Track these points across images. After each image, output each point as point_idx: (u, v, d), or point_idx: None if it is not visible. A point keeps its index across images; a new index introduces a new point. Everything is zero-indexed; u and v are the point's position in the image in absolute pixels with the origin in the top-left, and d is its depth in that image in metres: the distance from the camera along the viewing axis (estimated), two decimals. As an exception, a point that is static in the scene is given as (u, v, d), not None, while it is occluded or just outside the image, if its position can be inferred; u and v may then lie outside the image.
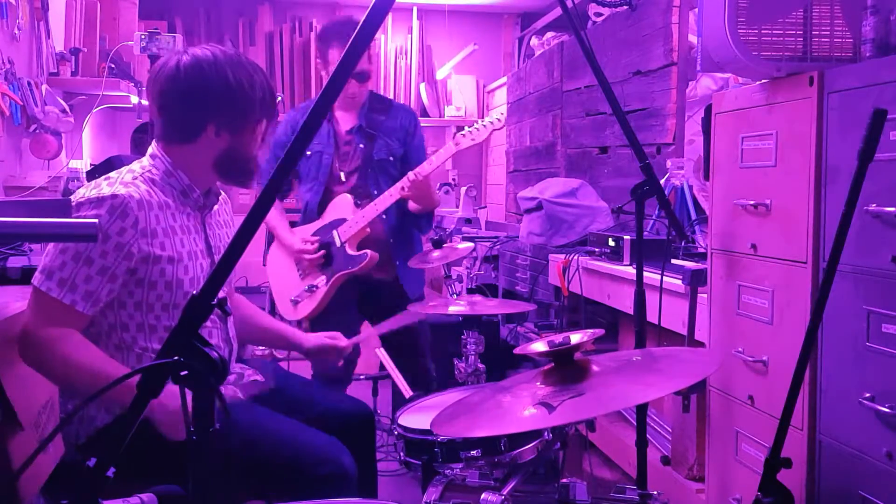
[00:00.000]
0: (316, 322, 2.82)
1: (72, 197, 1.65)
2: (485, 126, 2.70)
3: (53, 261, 1.57)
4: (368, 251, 2.76)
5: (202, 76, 1.65)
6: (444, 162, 2.77)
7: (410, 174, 2.66)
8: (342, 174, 2.85)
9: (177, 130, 1.70)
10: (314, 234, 2.83)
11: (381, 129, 2.85)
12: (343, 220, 2.78)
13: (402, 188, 2.67)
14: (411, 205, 2.75)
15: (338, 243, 2.78)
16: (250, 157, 1.75)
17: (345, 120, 2.88)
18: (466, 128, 2.73)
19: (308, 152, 2.84)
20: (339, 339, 2.07)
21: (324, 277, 2.80)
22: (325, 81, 2.85)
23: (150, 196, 1.65)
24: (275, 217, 2.92)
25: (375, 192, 2.78)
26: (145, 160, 1.73)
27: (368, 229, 2.76)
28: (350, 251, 2.77)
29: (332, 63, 2.78)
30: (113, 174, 1.69)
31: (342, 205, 2.82)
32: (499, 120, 2.72)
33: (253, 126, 1.72)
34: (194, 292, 0.94)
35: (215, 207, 1.85)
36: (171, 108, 1.68)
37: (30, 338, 1.56)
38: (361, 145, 2.84)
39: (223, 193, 1.90)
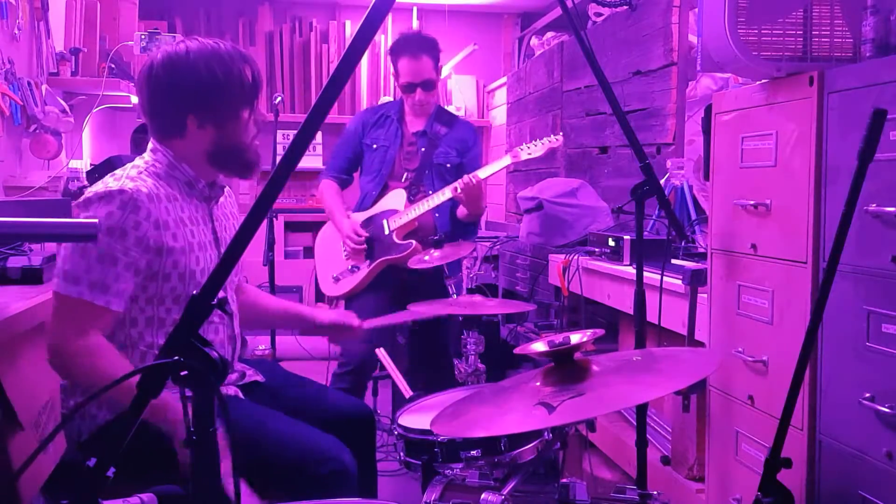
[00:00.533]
0: (350, 302, 3.06)
1: (80, 199, 1.66)
2: (543, 144, 2.93)
3: (76, 265, 1.57)
4: (413, 241, 2.98)
5: (174, 71, 1.66)
6: (498, 171, 3.01)
7: (466, 177, 2.86)
8: (405, 172, 3.07)
9: (163, 127, 1.72)
10: (365, 221, 3.06)
11: (443, 138, 3.09)
12: (395, 211, 3.02)
13: (456, 188, 2.86)
14: (460, 210, 2.99)
15: (386, 231, 3.01)
16: (243, 147, 1.75)
17: (413, 124, 3.13)
18: (525, 144, 2.96)
19: (374, 146, 3.11)
20: (353, 319, 2.09)
21: (368, 261, 3.03)
22: (395, 92, 3.10)
23: (158, 189, 1.66)
24: (333, 202, 3.15)
25: (430, 193, 3.00)
26: (147, 156, 1.74)
27: (417, 223, 2.99)
28: (396, 239, 3.00)
29: (402, 74, 3.04)
30: (117, 171, 1.70)
31: (396, 198, 3.05)
32: (557, 139, 2.95)
33: (235, 115, 1.71)
34: (195, 292, 0.94)
35: (221, 199, 1.86)
36: (152, 106, 1.71)
37: (63, 350, 1.56)
38: (423, 148, 3.08)
39: (227, 187, 1.90)
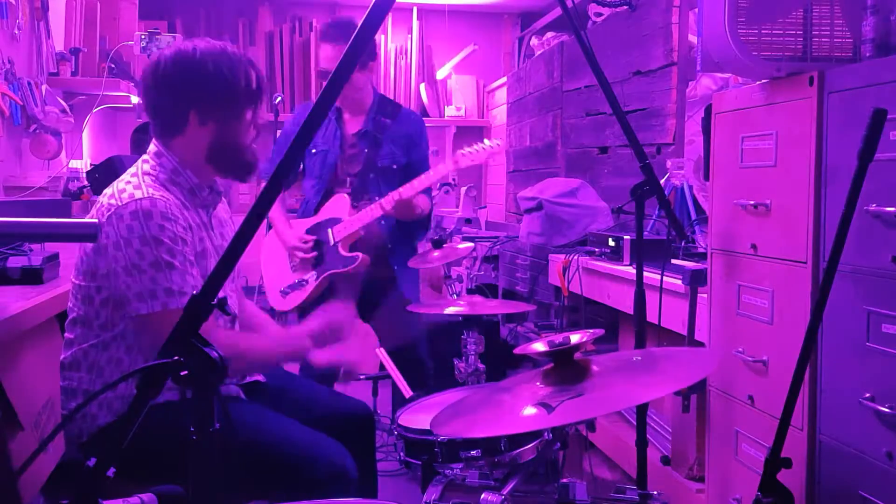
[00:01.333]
0: (303, 315, 2.85)
1: (101, 202, 1.66)
2: (484, 148, 2.79)
3: (142, 284, 1.59)
4: (360, 254, 2.81)
5: (182, 66, 1.68)
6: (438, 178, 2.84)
7: (391, 194, 2.72)
8: (347, 178, 2.90)
9: (164, 123, 1.73)
10: (309, 230, 2.88)
11: (386, 134, 2.89)
12: (338, 220, 2.83)
13: (382, 207, 2.73)
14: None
15: (331, 242, 2.84)
16: (242, 147, 1.75)
17: (352, 123, 2.93)
18: (467, 147, 2.81)
19: (314, 150, 2.90)
20: (346, 362, 2.06)
21: (314, 273, 2.85)
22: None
23: (170, 196, 1.67)
24: (275, 208, 2.93)
25: (377, 198, 2.81)
26: (149, 161, 1.73)
27: (362, 232, 2.81)
28: (342, 251, 2.82)
29: (319, 61, 2.87)
30: (129, 178, 1.68)
31: (339, 204, 2.86)
32: (499, 144, 2.85)
33: (238, 114, 1.72)
34: (195, 292, 0.94)
35: (218, 206, 1.86)
36: (156, 100, 1.71)
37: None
38: (366, 150, 2.88)
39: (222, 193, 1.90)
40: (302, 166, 2.98)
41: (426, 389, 2.23)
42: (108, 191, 1.68)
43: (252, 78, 1.72)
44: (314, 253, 2.84)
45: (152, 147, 1.74)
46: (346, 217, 2.82)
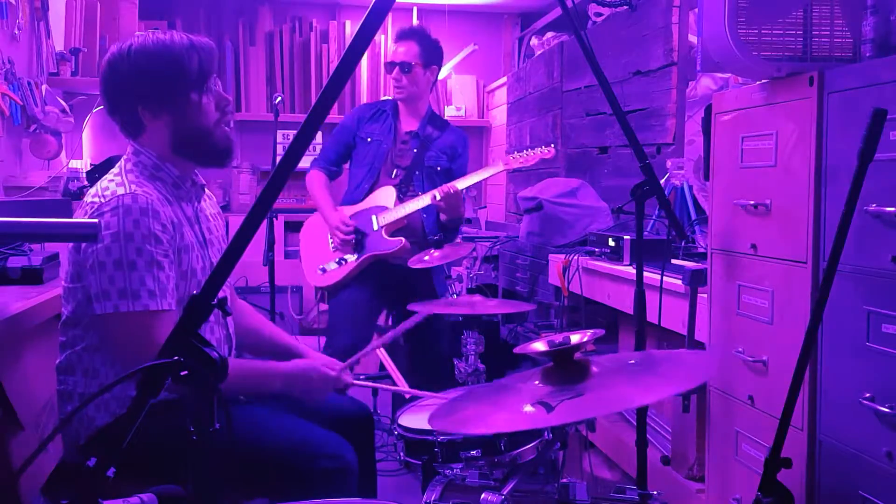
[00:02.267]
0: (333, 293, 3.07)
1: (85, 201, 1.65)
2: (535, 153, 3.00)
3: (126, 282, 1.57)
4: (402, 238, 2.99)
5: (115, 67, 1.69)
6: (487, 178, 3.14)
7: (445, 185, 2.92)
8: (395, 169, 3.10)
9: (125, 126, 1.73)
10: (353, 215, 3.06)
11: (434, 142, 3.13)
12: (384, 208, 3.03)
13: (435, 196, 2.91)
14: (441, 215, 2.99)
15: (375, 226, 3.03)
16: (205, 132, 1.73)
17: (407, 123, 3.17)
18: (517, 153, 3.04)
19: (369, 139, 3.13)
20: (344, 372, 2.06)
21: (355, 255, 3.03)
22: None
23: (153, 192, 1.66)
24: (322, 193, 3.15)
25: (419, 193, 3.03)
26: (130, 159, 1.72)
27: (406, 221, 3.00)
28: (385, 235, 3.01)
29: (387, 54, 3.22)
30: (112, 177, 1.68)
31: (385, 195, 3.07)
32: (549, 150, 3.00)
33: (183, 100, 1.70)
34: (195, 292, 0.94)
35: (204, 200, 1.85)
36: (108, 105, 1.73)
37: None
38: (416, 149, 3.11)
39: (206, 189, 1.89)
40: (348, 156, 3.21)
41: (444, 386, 2.23)
42: (91, 190, 1.68)
43: (191, 61, 1.70)
44: (353, 236, 3.01)
45: (129, 147, 1.75)
46: (391, 206, 3.02)
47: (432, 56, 3.12)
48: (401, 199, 3.04)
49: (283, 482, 1.63)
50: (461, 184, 2.94)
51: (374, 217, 3.04)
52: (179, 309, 1.68)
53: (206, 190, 1.89)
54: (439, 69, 3.21)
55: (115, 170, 1.72)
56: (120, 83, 1.70)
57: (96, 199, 1.62)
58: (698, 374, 1.31)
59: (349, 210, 3.09)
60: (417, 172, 3.09)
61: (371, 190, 3.09)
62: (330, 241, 3.09)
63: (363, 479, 1.84)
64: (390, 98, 3.29)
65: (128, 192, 1.61)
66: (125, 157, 1.74)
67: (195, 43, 1.72)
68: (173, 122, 1.71)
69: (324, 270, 3.05)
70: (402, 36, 3.15)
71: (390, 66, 3.11)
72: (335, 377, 1.86)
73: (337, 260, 3.03)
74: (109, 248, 1.57)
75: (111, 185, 1.64)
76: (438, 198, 2.88)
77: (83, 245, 1.59)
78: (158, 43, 1.69)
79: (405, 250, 2.93)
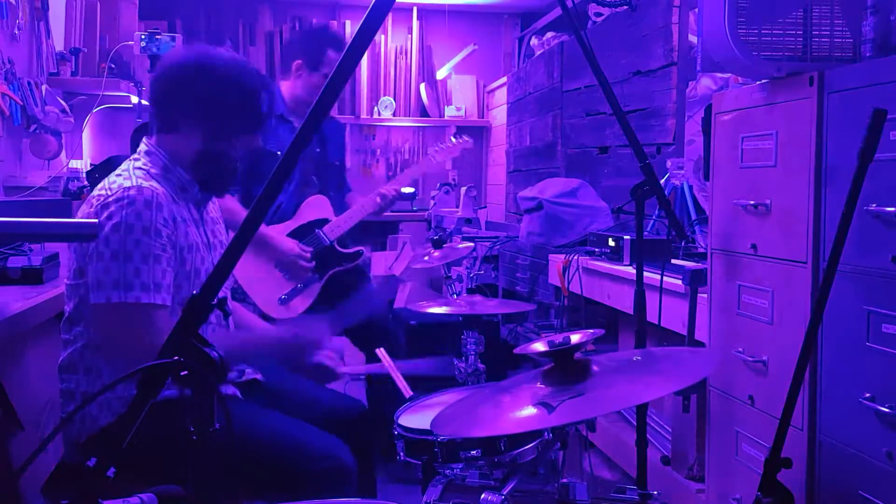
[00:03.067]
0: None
1: (92, 195, 1.65)
2: (457, 143, 3.13)
3: (121, 272, 1.56)
4: (362, 248, 2.96)
5: (176, 72, 1.70)
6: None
7: (388, 189, 2.92)
8: (311, 177, 2.97)
9: (157, 121, 1.74)
10: (292, 233, 2.89)
11: (328, 134, 3.03)
12: (326, 220, 2.91)
13: (377, 200, 2.90)
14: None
15: (326, 242, 2.90)
16: (228, 168, 1.75)
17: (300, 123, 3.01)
18: (439, 144, 3.12)
19: (279, 153, 2.85)
20: (338, 364, 2.07)
21: (317, 275, 2.88)
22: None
23: (160, 188, 1.66)
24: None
25: (332, 195, 2.95)
26: (141, 158, 1.73)
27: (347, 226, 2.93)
28: (341, 249, 2.92)
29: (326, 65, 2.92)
30: (121, 171, 1.69)
31: (319, 205, 2.94)
32: (468, 140, 3.16)
33: (234, 135, 1.72)
34: (195, 292, 0.94)
35: (209, 205, 1.86)
36: (162, 96, 1.73)
37: (145, 357, 1.55)
38: (318, 149, 2.99)
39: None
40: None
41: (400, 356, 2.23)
42: (99, 185, 1.68)
43: (261, 103, 1.72)
44: (314, 263, 2.86)
45: (143, 146, 1.75)
46: (331, 216, 2.91)
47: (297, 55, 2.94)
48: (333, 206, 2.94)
49: (280, 483, 1.63)
50: (402, 182, 2.96)
51: (321, 232, 2.89)
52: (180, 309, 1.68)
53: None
54: (303, 58, 2.93)
55: (124, 166, 1.73)
56: (177, 88, 1.69)
57: (103, 192, 1.62)
58: (698, 370, 1.32)
59: (284, 228, 2.87)
60: (326, 173, 2.98)
61: (298, 206, 2.91)
62: (278, 268, 2.85)
63: (362, 480, 1.85)
64: (391, 100, 3.29)
65: (133, 185, 1.61)
66: (134, 156, 1.75)
67: (267, 82, 1.74)
68: (205, 143, 1.72)
69: (286, 300, 2.83)
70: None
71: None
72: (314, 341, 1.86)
73: (297, 287, 2.84)
74: (109, 238, 1.57)
75: (119, 179, 1.65)
76: (381, 202, 2.87)
77: None
78: (243, 73, 1.69)
79: (364, 257, 2.92)
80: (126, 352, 1.56)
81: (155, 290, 1.58)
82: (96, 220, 1.53)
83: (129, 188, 1.60)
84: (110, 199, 1.60)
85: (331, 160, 3.00)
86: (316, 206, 2.92)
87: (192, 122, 1.70)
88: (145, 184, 1.62)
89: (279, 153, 2.85)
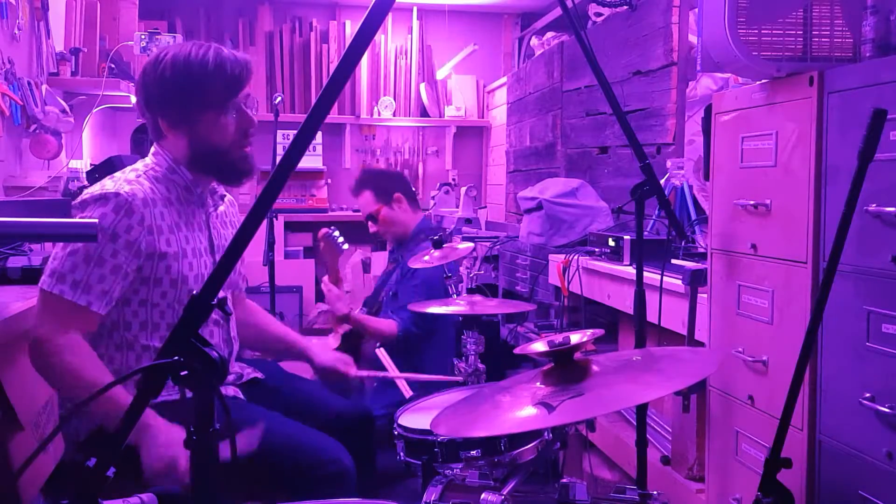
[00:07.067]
0: None
1: (77, 200, 1.67)
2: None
3: (63, 264, 1.57)
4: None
5: (144, 75, 1.71)
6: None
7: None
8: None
9: (150, 128, 1.76)
10: None
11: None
12: None
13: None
14: None
15: None
16: (220, 151, 1.73)
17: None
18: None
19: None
20: (350, 366, 2.09)
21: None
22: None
23: (154, 193, 1.66)
24: None
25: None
26: (148, 159, 1.76)
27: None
28: None
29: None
30: (117, 174, 1.71)
31: None
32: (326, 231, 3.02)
33: (200, 118, 1.70)
34: (195, 292, 0.94)
35: (221, 208, 1.86)
36: (138, 109, 1.76)
37: (41, 346, 1.54)
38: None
39: (228, 195, 1.91)
40: None
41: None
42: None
43: (213, 80, 1.68)
44: None
45: (153, 147, 1.77)
46: None
47: (387, 188, 3.17)
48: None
49: (280, 486, 1.63)
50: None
51: None
52: (172, 312, 1.68)
53: (229, 196, 1.90)
54: (401, 189, 3.21)
55: (128, 167, 1.75)
56: (145, 90, 1.71)
57: (89, 192, 1.65)
58: (698, 370, 1.32)
59: None
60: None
61: None
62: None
63: (363, 480, 1.85)
64: (391, 100, 3.30)
65: (114, 188, 1.62)
66: (145, 158, 1.78)
67: (226, 60, 1.69)
68: (189, 137, 1.72)
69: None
70: (353, 191, 3.27)
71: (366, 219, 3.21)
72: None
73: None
74: None
75: (108, 181, 1.67)
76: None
77: None
78: (187, 57, 1.68)
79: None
80: (36, 343, 1.55)
81: (83, 290, 1.56)
82: (96, 221, 1.54)
83: (108, 191, 1.62)
84: (89, 199, 1.63)
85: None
86: None
87: (168, 122, 1.72)
88: (127, 188, 1.62)
89: None
